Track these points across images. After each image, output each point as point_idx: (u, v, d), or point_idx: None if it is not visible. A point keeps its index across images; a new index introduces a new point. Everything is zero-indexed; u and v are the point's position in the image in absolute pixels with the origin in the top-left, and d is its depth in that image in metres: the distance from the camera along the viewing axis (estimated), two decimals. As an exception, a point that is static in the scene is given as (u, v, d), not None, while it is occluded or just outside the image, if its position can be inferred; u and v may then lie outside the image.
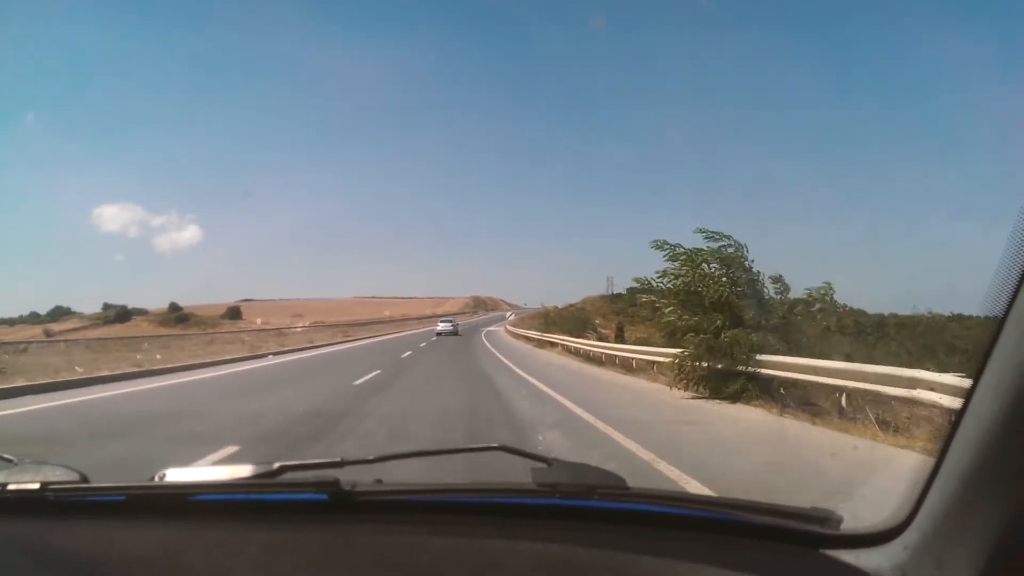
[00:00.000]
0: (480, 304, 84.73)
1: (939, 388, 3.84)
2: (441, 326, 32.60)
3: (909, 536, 0.66)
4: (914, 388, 4.02)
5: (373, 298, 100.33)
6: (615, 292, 79.33)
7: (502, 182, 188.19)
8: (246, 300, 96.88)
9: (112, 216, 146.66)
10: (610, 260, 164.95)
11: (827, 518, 0.75)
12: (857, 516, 0.77)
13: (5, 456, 0.91)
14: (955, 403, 3.09)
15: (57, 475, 0.83)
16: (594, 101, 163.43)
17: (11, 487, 0.81)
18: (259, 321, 49.50)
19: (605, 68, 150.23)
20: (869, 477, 3.28)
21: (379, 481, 0.82)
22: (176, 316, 63.43)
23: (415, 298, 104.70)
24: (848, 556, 0.70)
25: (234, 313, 62.49)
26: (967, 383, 0.63)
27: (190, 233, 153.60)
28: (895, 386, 4.23)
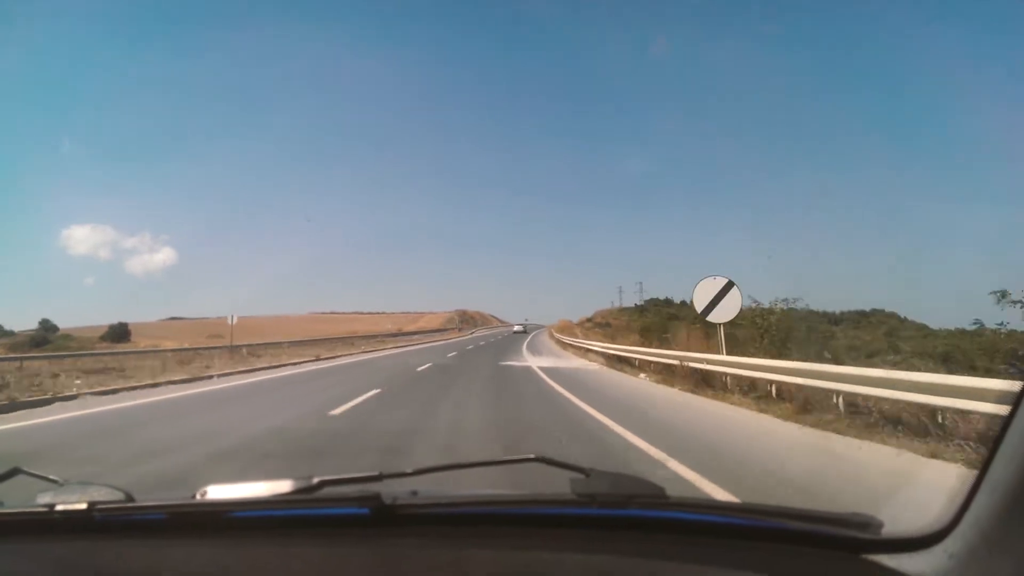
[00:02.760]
0: (468, 319, 74.01)
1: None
2: (516, 327, 53.18)
3: (952, 543, 0.74)
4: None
5: (333, 314, 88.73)
6: (638, 304, 71.44)
7: (488, 193, 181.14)
8: (173, 318, 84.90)
9: (82, 237, 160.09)
10: (610, 275, 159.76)
11: (867, 523, 0.83)
12: (897, 520, 0.86)
13: (51, 477, 1.02)
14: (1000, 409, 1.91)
15: (103, 494, 0.92)
16: (593, 107, 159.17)
17: (59, 507, 0.91)
18: (143, 344, 39.28)
19: (605, 73, 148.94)
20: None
21: (416, 493, 0.92)
22: (31, 338, 50.46)
23: (385, 313, 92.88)
24: (889, 561, 0.79)
25: (119, 334, 49.71)
26: (1016, 387, 0.70)
27: (164, 255, 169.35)
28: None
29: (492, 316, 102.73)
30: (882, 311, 40.61)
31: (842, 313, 36.15)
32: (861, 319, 36.99)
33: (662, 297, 76.55)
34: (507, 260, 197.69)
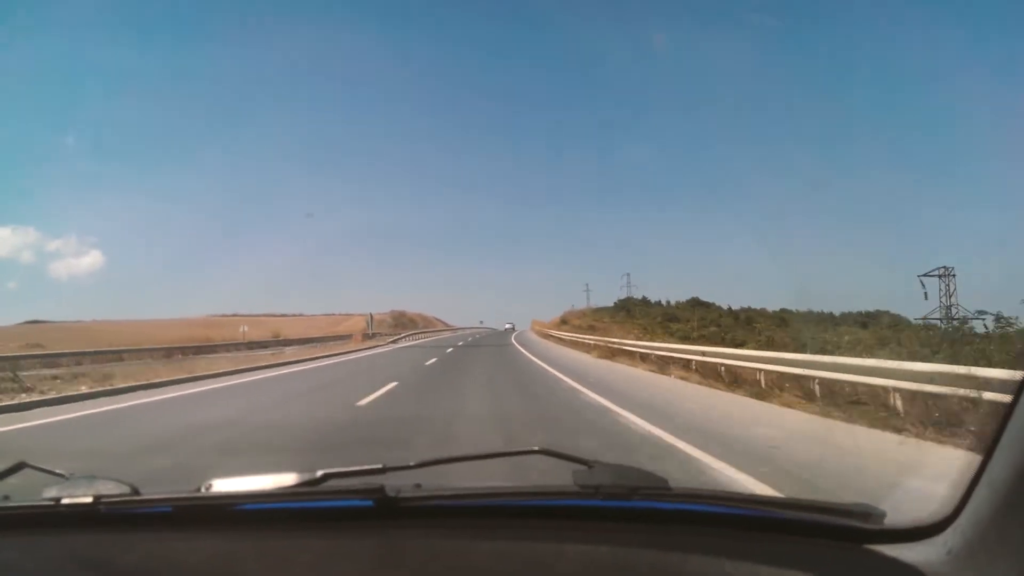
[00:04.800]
0: (405, 322, 71.30)
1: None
2: (506, 326, 78.87)
3: (952, 535, 0.87)
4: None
5: (235, 316, 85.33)
6: (621, 299, 71.83)
7: (436, 192, 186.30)
8: (32, 322, 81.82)
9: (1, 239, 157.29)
10: (570, 273, 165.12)
11: (870, 513, 0.96)
12: (899, 510, 0.98)
13: (57, 471, 1.18)
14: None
15: (109, 488, 1.08)
16: (552, 104, 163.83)
17: (65, 501, 1.06)
18: None
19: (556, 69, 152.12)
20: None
21: (419, 486, 1.08)
22: None
23: (303, 316, 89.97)
24: (890, 551, 0.92)
25: None
26: (1017, 376, 0.87)
27: (90, 258, 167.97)
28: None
29: (437, 319, 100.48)
30: (887, 312, 41.93)
31: (845, 314, 37.36)
32: (868, 320, 37.85)
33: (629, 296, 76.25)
34: (457, 260, 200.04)
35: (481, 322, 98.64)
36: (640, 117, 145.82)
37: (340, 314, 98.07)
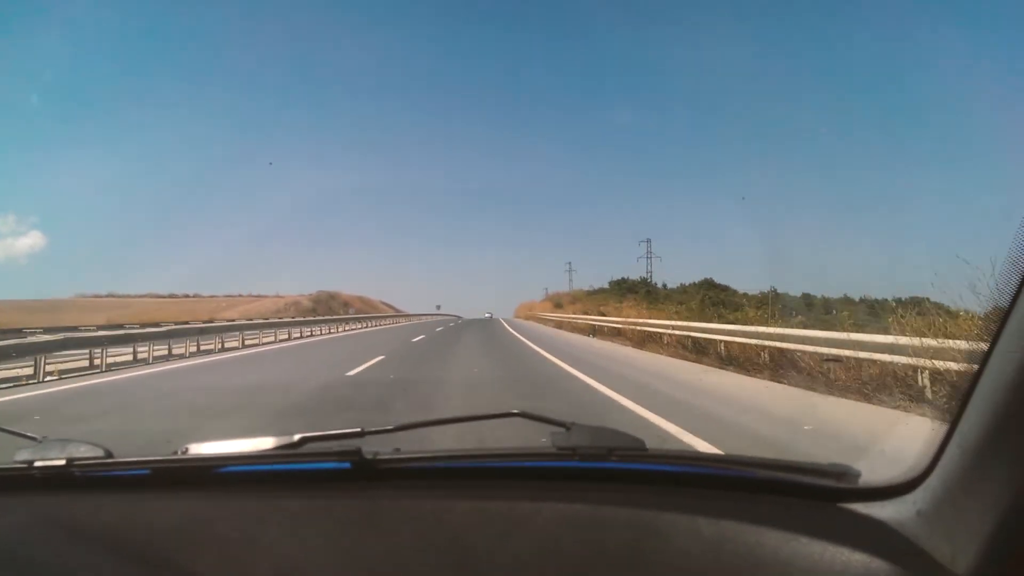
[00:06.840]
0: (337, 306, 69.92)
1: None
2: (486, 315, 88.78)
3: (922, 493, 1.03)
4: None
5: (110, 297, 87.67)
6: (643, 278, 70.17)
7: (393, 169, 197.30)
8: None
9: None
10: (544, 253, 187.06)
11: (844, 473, 1.16)
12: (874, 471, 1.17)
13: (29, 434, 1.40)
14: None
15: (82, 451, 1.28)
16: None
17: (38, 464, 1.26)
18: None
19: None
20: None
21: (397, 449, 1.29)
22: None
23: (199, 297, 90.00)
24: (863, 508, 1.10)
25: None
26: (984, 345, 0.96)
27: (30, 239, 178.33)
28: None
29: (386, 304, 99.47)
30: (927, 299, 43.00)
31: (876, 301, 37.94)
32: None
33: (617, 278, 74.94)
34: (413, 243, 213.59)
35: (438, 307, 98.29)
36: (619, 85, 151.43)
37: (247, 295, 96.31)
